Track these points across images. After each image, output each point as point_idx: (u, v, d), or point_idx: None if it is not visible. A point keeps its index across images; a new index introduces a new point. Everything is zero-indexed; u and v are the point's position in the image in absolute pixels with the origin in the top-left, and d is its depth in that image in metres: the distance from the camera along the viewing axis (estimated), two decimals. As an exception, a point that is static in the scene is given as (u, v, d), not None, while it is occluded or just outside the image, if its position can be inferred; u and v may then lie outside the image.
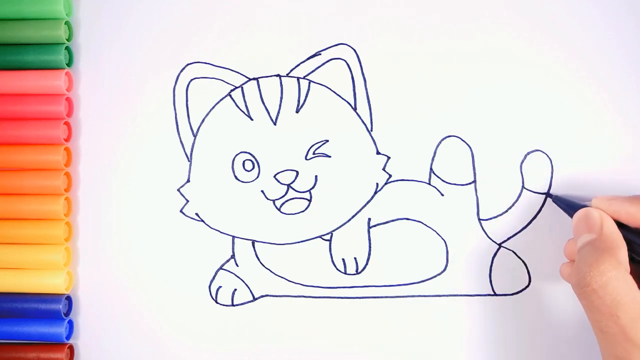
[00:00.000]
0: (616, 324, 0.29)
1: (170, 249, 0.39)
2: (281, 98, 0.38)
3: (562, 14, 0.38)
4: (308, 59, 0.38)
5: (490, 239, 0.38)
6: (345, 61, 0.38)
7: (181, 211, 0.39)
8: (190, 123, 0.39)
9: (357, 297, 0.38)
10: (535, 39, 0.38)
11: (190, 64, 0.39)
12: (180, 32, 0.39)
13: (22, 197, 0.38)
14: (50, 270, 0.38)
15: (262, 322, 0.39)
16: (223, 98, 0.39)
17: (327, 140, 0.38)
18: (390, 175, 0.38)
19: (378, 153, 0.38)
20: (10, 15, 0.38)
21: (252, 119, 0.38)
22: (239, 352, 0.39)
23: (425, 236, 0.38)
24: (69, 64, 0.39)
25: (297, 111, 0.38)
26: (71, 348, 0.39)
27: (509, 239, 0.38)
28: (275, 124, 0.38)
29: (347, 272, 0.38)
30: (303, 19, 0.39)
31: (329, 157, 0.38)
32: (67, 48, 0.39)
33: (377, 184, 0.38)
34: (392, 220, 0.38)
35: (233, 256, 0.39)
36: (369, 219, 0.38)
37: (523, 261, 0.38)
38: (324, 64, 0.38)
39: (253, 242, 0.39)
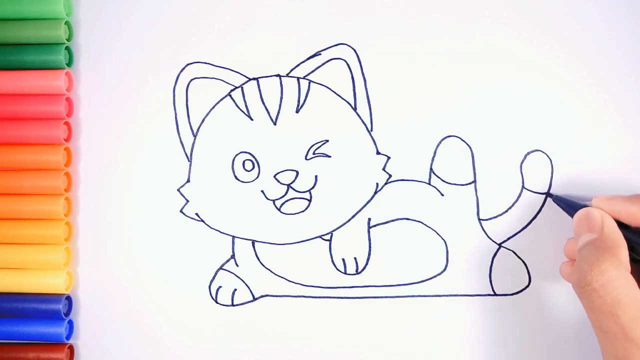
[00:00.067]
0: (616, 323, 0.29)
1: (170, 249, 0.39)
2: (281, 98, 0.38)
3: (562, 14, 0.38)
4: (308, 59, 0.38)
5: (490, 239, 0.38)
6: (345, 61, 0.38)
7: (181, 211, 0.39)
8: (190, 123, 0.39)
9: (357, 297, 0.38)
10: (535, 39, 0.38)
11: (190, 64, 0.39)
12: (180, 32, 0.39)
13: (22, 197, 0.38)
14: (50, 270, 0.38)
15: (262, 322, 0.39)
16: (223, 98, 0.39)
17: (327, 140, 0.38)
18: (390, 175, 0.38)
19: (378, 153, 0.38)
20: (10, 15, 0.38)
21: (252, 119, 0.38)
22: (239, 352, 0.39)
23: (425, 236, 0.38)
24: (69, 64, 0.39)
25: (297, 111, 0.38)
26: (71, 348, 0.39)
27: (509, 239, 0.38)
28: (275, 124, 0.38)
29: (347, 272, 0.38)
30: (303, 19, 0.39)
31: (329, 157, 0.38)
32: (67, 48, 0.39)
33: (377, 184, 0.38)
34: (392, 220, 0.38)
35: (233, 256, 0.39)
36: (369, 219, 0.38)
37: (523, 261, 0.38)
38: (324, 64, 0.38)
39: (253, 242, 0.39)
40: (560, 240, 0.37)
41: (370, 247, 0.38)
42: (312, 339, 0.38)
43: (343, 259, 0.38)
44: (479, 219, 0.38)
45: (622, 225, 0.32)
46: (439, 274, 0.38)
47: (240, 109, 0.38)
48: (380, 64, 0.38)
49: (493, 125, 0.38)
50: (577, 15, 0.38)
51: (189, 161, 0.39)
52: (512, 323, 0.38)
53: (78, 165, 0.40)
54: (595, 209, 0.33)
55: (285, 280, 0.39)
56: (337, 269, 0.38)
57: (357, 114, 0.38)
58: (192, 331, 0.39)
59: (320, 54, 0.38)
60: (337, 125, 0.38)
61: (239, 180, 0.39)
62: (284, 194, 0.38)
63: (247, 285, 0.39)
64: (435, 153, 0.38)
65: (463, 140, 0.38)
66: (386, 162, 0.38)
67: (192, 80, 0.39)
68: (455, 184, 0.38)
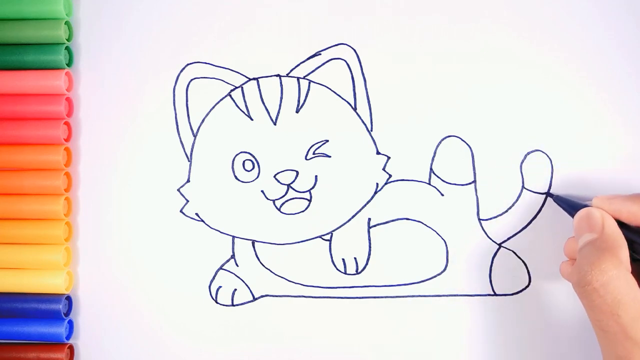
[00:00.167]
0: (617, 323, 0.29)
1: (170, 249, 0.39)
2: (281, 98, 0.38)
3: (562, 14, 0.38)
4: (308, 59, 0.38)
5: (490, 239, 0.38)
6: (345, 61, 0.38)
7: (181, 211, 0.39)
8: (190, 123, 0.39)
9: (357, 297, 0.38)
10: (535, 39, 0.38)
11: (190, 64, 0.39)
12: (180, 32, 0.39)
13: (22, 197, 0.38)
14: (50, 270, 0.38)
15: (262, 322, 0.39)
16: (223, 98, 0.39)
17: (327, 140, 0.38)
18: (390, 175, 0.38)
19: (378, 153, 0.38)
20: (10, 15, 0.38)
21: (252, 119, 0.38)
22: (239, 352, 0.39)
23: (425, 236, 0.38)
24: (69, 64, 0.39)
25: (297, 111, 0.38)
26: (71, 348, 0.39)
27: (509, 239, 0.38)
28: (275, 124, 0.38)
29: (347, 272, 0.38)
30: (303, 19, 0.39)
31: (329, 157, 0.38)
32: (67, 48, 0.39)
33: (377, 184, 0.38)
34: (392, 220, 0.38)
35: (233, 256, 0.39)
36: (369, 219, 0.38)
37: (523, 261, 0.38)
38: (324, 64, 0.38)
39: (253, 242, 0.39)
40: (560, 240, 0.37)
41: (370, 247, 0.38)
42: (312, 339, 0.38)
43: (343, 259, 0.38)
44: (479, 219, 0.38)
45: (622, 225, 0.32)
46: (439, 274, 0.38)
47: (240, 109, 0.38)
48: (380, 64, 0.38)
49: (493, 125, 0.38)
50: (577, 15, 0.38)
51: (189, 161, 0.39)
52: (512, 323, 0.38)
53: (78, 165, 0.40)
54: (595, 208, 0.33)
55: (285, 280, 0.39)
56: (337, 269, 0.38)
57: (357, 114, 0.38)
58: (192, 331, 0.39)
59: (320, 54, 0.38)
60: (337, 125, 0.38)
61: (239, 180, 0.39)
62: (284, 194, 0.38)
63: (247, 285, 0.39)
64: (435, 153, 0.38)
65: (463, 140, 0.38)
66: (386, 162, 0.38)
67: (192, 80, 0.39)
68: (455, 184, 0.38)
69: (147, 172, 0.39)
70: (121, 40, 0.39)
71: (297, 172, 0.38)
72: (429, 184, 0.38)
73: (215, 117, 0.39)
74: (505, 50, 0.38)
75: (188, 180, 0.39)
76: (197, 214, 0.39)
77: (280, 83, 0.38)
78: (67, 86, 0.39)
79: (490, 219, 0.38)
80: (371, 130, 0.38)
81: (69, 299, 0.39)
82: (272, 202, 0.38)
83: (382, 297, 0.38)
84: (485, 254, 0.38)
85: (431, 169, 0.38)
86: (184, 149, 0.39)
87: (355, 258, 0.38)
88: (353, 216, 0.38)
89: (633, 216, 0.32)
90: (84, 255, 0.39)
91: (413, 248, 0.38)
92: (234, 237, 0.39)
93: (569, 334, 0.37)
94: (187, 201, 0.39)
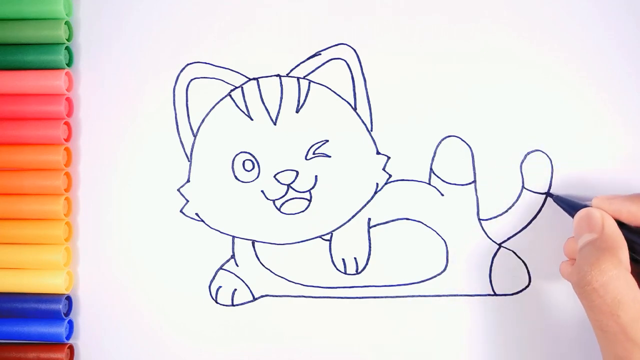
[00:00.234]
0: (617, 323, 0.29)
1: (170, 249, 0.39)
2: (281, 98, 0.38)
3: (562, 14, 0.38)
4: (308, 59, 0.38)
5: (490, 239, 0.38)
6: (345, 61, 0.38)
7: (181, 211, 0.39)
8: (190, 123, 0.39)
9: (357, 297, 0.38)
10: (535, 39, 0.38)
11: (190, 64, 0.39)
12: (180, 32, 0.39)
13: (22, 197, 0.38)
14: (50, 270, 0.38)
15: (262, 322, 0.39)
16: (223, 98, 0.39)
17: (327, 140, 0.38)
18: (390, 175, 0.38)
19: (378, 153, 0.38)
20: (10, 15, 0.38)
21: (252, 119, 0.38)
22: (239, 352, 0.39)
23: (425, 236, 0.38)
24: (69, 64, 0.39)
25: (297, 111, 0.38)
26: (71, 348, 0.39)
27: (509, 239, 0.38)
28: (275, 124, 0.38)
29: (347, 272, 0.38)
30: (303, 19, 0.39)
31: (329, 157, 0.38)
32: (67, 48, 0.39)
33: (377, 184, 0.38)
34: (392, 220, 0.38)
35: (233, 256, 0.39)
36: (369, 219, 0.38)
37: (523, 261, 0.38)
38: (324, 64, 0.38)
39: (253, 242, 0.39)
40: (560, 240, 0.37)
41: (370, 247, 0.38)
42: (312, 339, 0.38)
43: (343, 259, 0.38)
44: (479, 219, 0.38)
45: (622, 225, 0.32)
46: (439, 274, 0.38)
47: (240, 109, 0.38)
48: (380, 64, 0.38)
49: (493, 125, 0.38)
50: (577, 15, 0.38)
51: (189, 161, 0.39)
52: (512, 323, 0.38)
53: (78, 165, 0.40)
54: (595, 209, 0.33)
55: (285, 280, 0.39)
56: (337, 269, 0.38)
57: (357, 114, 0.38)
58: (192, 331, 0.39)
59: (320, 54, 0.38)
60: (337, 125, 0.38)
61: (239, 180, 0.39)
62: (284, 194, 0.38)
63: (247, 285, 0.39)
64: (435, 153, 0.38)
65: (463, 140, 0.38)
66: (386, 162, 0.38)
67: (192, 80, 0.39)
68: (455, 184, 0.38)
69: (147, 172, 0.39)
70: (121, 40, 0.39)
71: (297, 172, 0.38)
72: (429, 184, 0.38)
73: (215, 117, 0.39)
74: (505, 50, 0.38)
75: (188, 180, 0.39)
76: (197, 214, 0.39)
77: (280, 83, 0.38)
78: (67, 86, 0.39)
79: (490, 219, 0.38)
80: (371, 130, 0.38)
81: (69, 299, 0.39)
82: (272, 202, 0.38)
83: (382, 297, 0.38)
84: (485, 254, 0.38)
85: (431, 169, 0.38)
86: (184, 149, 0.39)
87: (355, 258, 0.38)
88: (353, 216, 0.38)
89: (633, 216, 0.32)
90: (84, 255, 0.39)
91: (413, 248, 0.38)
92: (234, 237, 0.39)
93: (569, 334, 0.37)
94: (187, 201, 0.39)
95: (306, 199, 0.38)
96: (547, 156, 0.38)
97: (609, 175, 0.37)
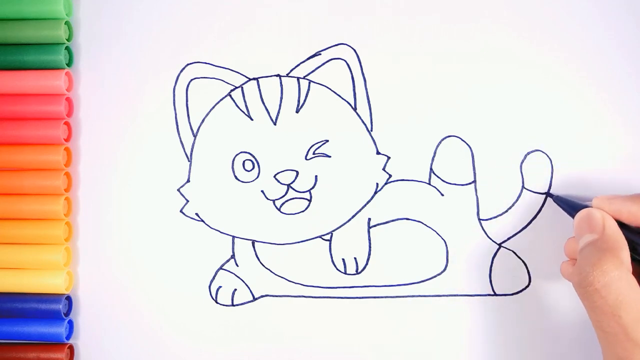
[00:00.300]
0: (618, 324, 0.29)
1: (170, 249, 0.39)
2: (281, 98, 0.38)
3: (562, 14, 0.38)
4: (308, 59, 0.38)
5: (490, 239, 0.38)
6: (345, 61, 0.38)
7: (181, 211, 0.39)
8: (190, 123, 0.39)
9: (357, 297, 0.38)
10: (535, 39, 0.38)
11: (190, 64, 0.39)
12: (180, 32, 0.39)
13: (22, 197, 0.38)
14: (50, 270, 0.38)
15: (262, 322, 0.39)
16: (223, 98, 0.39)
17: (327, 140, 0.38)
18: (390, 175, 0.38)
19: (378, 153, 0.38)
20: (10, 15, 0.38)
21: (252, 119, 0.38)
22: (239, 352, 0.39)
23: (425, 236, 0.38)
24: (69, 64, 0.39)
25: (297, 111, 0.38)
26: (71, 348, 0.39)
27: (509, 239, 0.38)
28: (275, 124, 0.38)
29: (347, 272, 0.38)
30: (303, 19, 0.39)
31: (329, 157, 0.38)
32: (67, 48, 0.39)
33: (377, 184, 0.38)
34: (392, 220, 0.38)
35: (233, 256, 0.39)
36: (369, 219, 0.38)
37: (523, 261, 0.38)
38: (324, 64, 0.38)
39: (253, 242, 0.39)
40: (560, 240, 0.37)
41: (370, 247, 0.38)
42: (312, 339, 0.38)
43: (343, 259, 0.38)
44: (479, 219, 0.38)
45: (623, 226, 0.32)
46: (439, 274, 0.38)
47: (240, 109, 0.38)
48: (380, 64, 0.38)
49: (493, 125, 0.38)
50: (577, 15, 0.38)
51: (189, 161, 0.39)
52: (512, 323, 0.38)
53: (78, 165, 0.40)
54: (596, 209, 0.33)
55: (285, 280, 0.39)
56: (337, 269, 0.38)
57: (357, 114, 0.38)
58: (192, 331, 0.39)
59: (320, 54, 0.38)
60: (337, 125, 0.38)
61: (239, 180, 0.39)
62: (284, 194, 0.38)
63: (247, 285, 0.39)
64: (435, 153, 0.38)
65: (463, 140, 0.38)
66: (386, 162, 0.38)
67: (192, 80, 0.39)
68: (455, 184, 0.38)
69: (147, 172, 0.39)
70: (121, 40, 0.39)
71: (297, 172, 0.38)
72: (429, 184, 0.38)
73: (215, 117, 0.39)
74: (505, 50, 0.38)
75: (188, 180, 0.39)
76: (197, 214, 0.39)
77: (280, 83, 0.38)
78: (67, 86, 0.39)
79: (490, 219, 0.38)
80: (371, 130, 0.38)
81: (69, 299, 0.39)
82: (272, 202, 0.38)
83: (382, 297, 0.38)
84: (485, 254, 0.38)
85: (431, 169, 0.38)
86: (184, 149, 0.39)
87: (355, 258, 0.38)
88: (353, 216, 0.38)
89: (633, 216, 0.32)
90: (84, 255, 0.39)
91: (413, 248, 0.38)
92: (234, 237, 0.39)
93: (569, 334, 0.37)
94: (187, 201, 0.39)
95: (306, 199, 0.38)
96: (547, 156, 0.38)
97: (609, 175, 0.37)
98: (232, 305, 0.39)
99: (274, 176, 0.38)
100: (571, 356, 0.37)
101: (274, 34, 0.39)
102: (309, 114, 0.38)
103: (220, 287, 0.39)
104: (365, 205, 0.38)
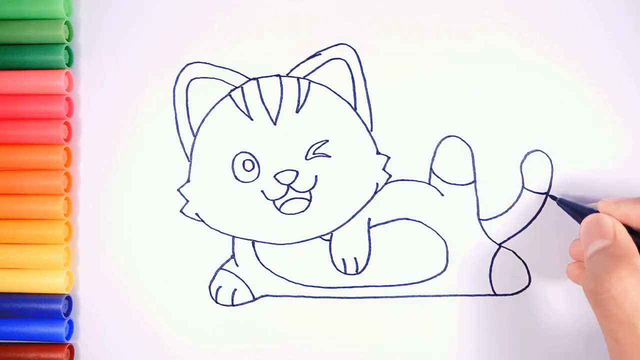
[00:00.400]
0: (633, 333, 0.28)
1: (170, 249, 0.39)
2: (281, 98, 0.38)
3: (562, 14, 0.38)
4: (308, 59, 0.38)
5: (490, 239, 0.38)
6: (345, 61, 0.38)
7: (181, 211, 0.39)
8: (190, 123, 0.39)
9: (357, 297, 0.38)
10: (535, 39, 0.38)
11: (190, 64, 0.39)
12: (180, 32, 0.39)
13: (22, 197, 0.38)
14: (50, 270, 0.38)
15: (262, 322, 0.39)
16: (223, 98, 0.39)
17: (327, 140, 0.38)
18: (390, 175, 0.38)
19: (378, 153, 0.38)
20: (10, 15, 0.38)
21: (252, 119, 0.38)
22: (239, 352, 0.39)
23: (425, 236, 0.38)
24: (69, 64, 0.39)
25: (297, 111, 0.38)
26: (71, 348, 0.39)
27: (509, 239, 0.38)
28: (275, 124, 0.38)
29: (347, 272, 0.38)
30: (303, 19, 0.39)
31: (329, 157, 0.38)
32: (67, 48, 0.39)
33: (377, 184, 0.38)
34: (392, 220, 0.38)
35: (233, 256, 0.39)
36: (369, 219, 0.38)
37: (523, 261, 0.38)
38: (324, 64, 0.38)
39: (253, 242, 0.39)
40: (560, 240, 0.37)
41: (370, 247, 0.38)
42: (312, 339, 0.38)
43: (343, 259, 0.38)
44: (479, 219, 0.38)
45: (630, 230, 0.32)
46: (439, 274, 0.38)
47: (240, 109, 0.38)
48: (380, 64, 0.38)
49: (493, 125, 0.38)
50: (577, 15, 0.38)
51: (189, 161, 0.39)
52: (512, 323, 0.38)
53: (78, 165, 0.40)
54: (605, 215, 0.32)
55: (285, 280, 0.39)
56: (337, 269, 0.38)
57: (357, 114, 0.38)
58: (192, 331, 0.39)
59: (320, 54, 0.38)
60: (337, 125, 0.38)
61: (239, 180, 0.39)
62: (284, 194, 0.38)
63: (247, 285, 0.39)
64: (435, 153, 0.38)
65: (463, 140, 0.38)
66: (386, 162, 0.38)
67: (192, 80, 0.39)
68: (455, 184, 0.38)
69: (147, 172, 0.39)
70: (121, 40, 0.39)
71: (297, 172, 0.38)
72: (429, 184, 0.38)
73: (215, 117, 0.39)
74: (505, 50, 0.38)
75: (188, 180, 0.39)
76: (197, 214, 0.39)
77: (280, 83, 0.38)
78: (67, 86, 0.39)
79: (490, 219, 0.38)
80: (371, 130, 0.38)
81: (69, 299, 0.39)
82: (272, 202, 0.38)
83: (382, 297, 0.38)
84: (485, 254, 0.38)
85: (431, 169, 0.38)
86: (184, 149, 0.39)
87: (355, 258, 0.38)
88: (353, 216, 0.38)
89: None
90: (84, 255, 0.39)
91: (413, 248, 0.38)
92: (234, 237, 0.39)
93: (569, 334, 0.37)
94: (187, 201, 0.39)
95: (306, 199, 0.38)
96: (547, 156, 0.38)
97: (609, 175, 0.37)
98: (232, 305, 0.39)
99: (274, 176, 0.38)
100: (571, 356, 0.37)
101: (274, 34, 0.39)
102: (309, 114, 0.38)
103: (220, 287, 0.39)
104: (365, 205, 0.38)
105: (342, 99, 0.38)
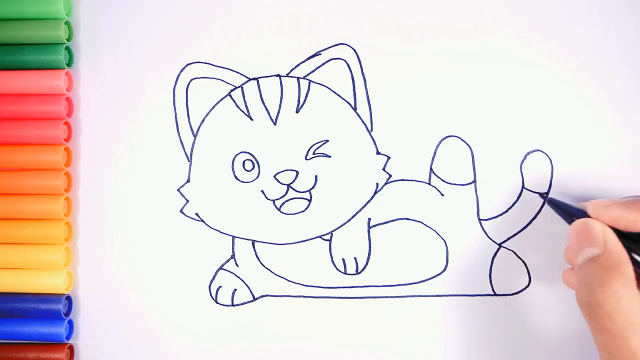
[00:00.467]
0: (626, 347, 0.28)
1: (170, 249, 0.39)
2: (281, 98, 0.38)
3: (562, 14, 0.38)
4: (308, 59, 0.39)
5: (490, 239, 0.38)
6: (345, 61, 0.38)
7: (181, 211, 0.39)
8: (190, 123, 0.39)
9: (357, 297, 0.38)
10: (535, 39, 0.38)
11: (190, 64, 0.39)
12: (180, 32, 0.39)
13: (22, 197, 0.38)
14: (50, 270, 0.38)
15: (262, 322, 0.39)
16: (223, 98, 0.39)
17: (327, 140, 0.38)
18: (390, 175, 0.38)
19: (378, 153, 0.38)
20: (10, 15, 0.38)
21: (252, 119, 0.38)
22: (239, 352, 0.39)
23: (425, 236, 0.38)
24: (69, 64, 0.39)
25: (297, 111, 0.38)
26: (71, 348, 0.39)
27: (509, 239, 0.38)
28: (275, 124, 0.38)
29: (347, 272, 0.38)
30: (303, 19, 0.39)
31: (329, 157, 0.38)
32: (67, 48, 0.39)
33: (377, 184, 0.38)
34: (392, 220, 0.38)
35: (233, 256, 0.39)
36: (369, 219, 0.38)
37: (523, 261, 0.38)
38: (324, 64, 0.38)
39: (253, 242, 0.39)
40: (560, 241, 0.37)
41: (370, 247, 0.38)
42: (312, 339, 0.38)
43: (343, 259, 0.38)
44: (479, 219, 0.38)
45: (620, 233, 0.31)
46: (439, 274, 0.38)
47: (240, 109, 0.38)
48: (380, 64, 0.38)
49: (493, 125, 0.38)
50: (577, 15, 0.38)
51: (189, 161, 0.39)
52: (512, 323, 0.38)
53: (78, 165, 0.40)
54: (594, 221, 0.32)
55: (285, 280, 0.39)
56: (337, 269, 0.38)
57: (357, 114, 0.38)
58: (192, 331, 0.39)
59: (320, 54, 0.38)
60: (337, 125, 0.38)
61: (239, 180, 0.39)
62: (284, 194, 0.38)
63: (247, 285, 0.39)
64: (435, 153, 0.38)
65: (463, 140, 0.38)
66: (386, 162, 0.38)
67: (192, 80, 0.39)
68: (455, 184, 0.38)
69: (147, 172, 0.39)
70: (121, 40, 0.39)
71: (297, 172, 0.38)
72: (429, 184, 0.38)
73: (215, 117, 0.39)
74: (505, 50, 0.38)
75: (188, 180, 0.39)
76: (197, 214, 0.39)
77: (280, 83, 0.38)
78: (67, 86, 0.39)
79: (490, 219, 0.38)
80: (371, 130, 0.38)
81: (69, 299, 0.39)
82: (272, 202, 0.38)
83: (382, 297, 0.38)
84: (485, 254, 0.38)
85: (431, 169, 0.38)
86: (184, 149, 0.39)
87: (355, 258, 0.38)
88: (353, 216, 0.38)
89: (632, 224, 0.31)
90: (84, 255, 0.39)
91: (413, 248, 0.38)
92: (234, 237, 0.39)
93: (569, 334, 0.37)
94: (187, 201, 0.39)
95: (306, 199, 0.38)
96: (547, 156, 0.38)
97: (609, 175, 0.37)
98: (232, 305, 0.39)
99: (274, 176, 0.38)
100: (571, 356, 0.37)
101: (274, 34, 0.39)
102: (309, 114, 0.38)
103: (220, 287, 0.39)
104: (365, 205, 0.38)
105: (342, 99, 0.38)
